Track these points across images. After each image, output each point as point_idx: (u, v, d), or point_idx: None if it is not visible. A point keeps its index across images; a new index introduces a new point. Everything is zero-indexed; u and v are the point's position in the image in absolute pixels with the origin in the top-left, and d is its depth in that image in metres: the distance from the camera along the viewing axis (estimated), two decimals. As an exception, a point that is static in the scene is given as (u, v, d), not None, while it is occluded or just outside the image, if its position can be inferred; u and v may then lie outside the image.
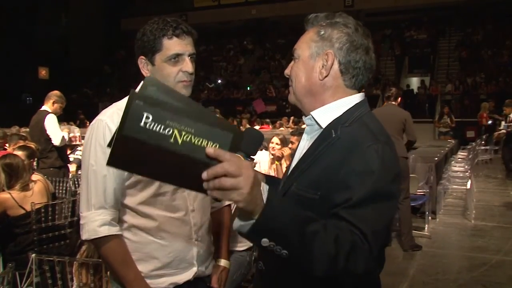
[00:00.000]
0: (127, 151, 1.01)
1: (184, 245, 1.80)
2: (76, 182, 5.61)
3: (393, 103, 6.08)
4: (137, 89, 1.09)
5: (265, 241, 1.13)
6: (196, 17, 23.65)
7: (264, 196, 1.12)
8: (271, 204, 1.12)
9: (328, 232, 1.16)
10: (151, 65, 1.75)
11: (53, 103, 5.78)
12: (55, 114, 5.75)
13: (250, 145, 1.45)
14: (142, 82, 1.25)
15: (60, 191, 5.55)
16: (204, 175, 1.03)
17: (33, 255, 2.55)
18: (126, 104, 1.01)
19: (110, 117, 1.72)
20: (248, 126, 14.61)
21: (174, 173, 1.06)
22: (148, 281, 1.75)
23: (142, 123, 0.99)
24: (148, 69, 1.76)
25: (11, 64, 19.59)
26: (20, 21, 20.57)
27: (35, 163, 6.17)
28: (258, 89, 22.23)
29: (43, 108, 5.79)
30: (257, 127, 13.99)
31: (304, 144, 1.49)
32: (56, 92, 5.89)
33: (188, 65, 1.73)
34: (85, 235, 1.71)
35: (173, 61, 1.72)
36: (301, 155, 1.45)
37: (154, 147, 1.00)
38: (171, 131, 1.00)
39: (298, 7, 22.40)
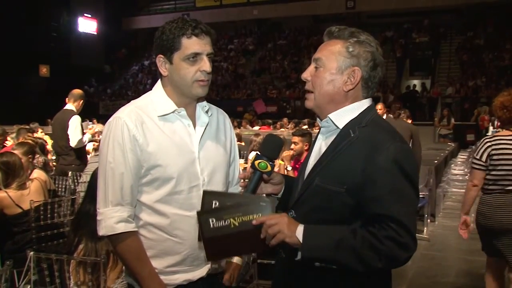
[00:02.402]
0: (214, 246, 1.52)
1: (199, 243, 1.79)
2: (75, 181, 5.61)
3: (404, 119, 7.08)
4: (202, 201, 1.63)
5: (317, 264, 1.50)
6: (197, 17, 23.44)
7: (300, 235, 1.46)
8: (307, 240, 1.46)
9: (364, 242, 1.42)
10: (169, 64, 1.77)
11: (77, 101, 5.81)
12: (77, 111, 5.81)
13: (271, 150, 1.66)
14: (202, 196, 1.60)
15: (60, 189, 5.55)
16: (263, 234, 1.45)
17: (31, 253, 2.55)
18: (198, 220, 1.52)
19: (128, 115, 1.75)
20: (248, 127, 14.58)
21: (246, 244, 1.55)
22: (162, 277, 1.77)
23: (211, 226, 1.47)
24: (166, 68, 1.78)
25: (11, 62, 19.58)
26: (21, 18, 20.56)
27: (52, 158, 6.23)
28: (259, 90, 22.24)
29: (68, 107, 5.83)
30: (257, 128, 13.96)
31: (320, 143, 1.66)
32: (78, 90, 6.00)
33: (206, 65, 1.75)
34: (102, 231, 1.74)
35: (191, 60, 1.74)
36: (320, 153, 1.62)
37: (225, 235, 1.48)
38: (228, 221, 1.47)
39: (300, 8, 22.42)
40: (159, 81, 1.87)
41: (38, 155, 5.98)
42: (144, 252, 1.76)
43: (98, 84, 25.64)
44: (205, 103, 1.90)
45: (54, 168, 6.32)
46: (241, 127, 13.98)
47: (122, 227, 1.72)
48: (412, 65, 21.39)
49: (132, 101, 1.86)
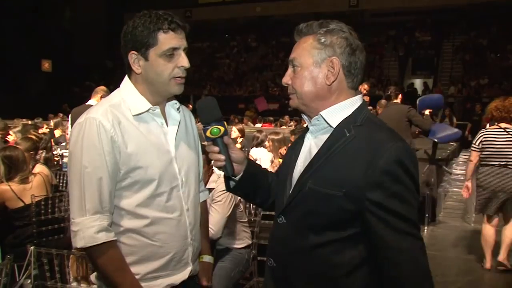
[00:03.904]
0: None
1: (180, 245, 1.76)
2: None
3: (395, 101, 6.31)
4: None
5: None
6: (200, 13, 23.63)
7: None
8: None
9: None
10: (143, 60, 1.66)
11: (101, 97, 5.75)
12: None
13: (210, 113, 1.57)
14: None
15: (61, 184, 5.56)
16: None
17: (32, 247, 2.55)
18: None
19: (104, 115, 1.63)
20: (250, 124, 14.56)
21: None
22: (144, 284, 1.68)
23: None
24: (140, 65, 1.67)
25: (14, 56, 19.59)
26: (24, 13, 20.56)
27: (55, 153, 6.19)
28: (261, 87, 22.21)
29: (91, 102, 5.72)
30: (259, 125, 13.95)
31: (310, 143, 1.55)
32: (102, 87, 5.96)
33: (184, 60, 1.67)
34: (79, 242, 1.60)
35: (168, 56, 1.64)
36: (310, 154, 1.51)
37: None
38: None
39: (303, 6, 22.40)
40: (126, 78, 1.77)
41: (41, 151, 6.01)
42: (125, 261, 1.66)
43: (100, 79, 25.65)
44: (175, 100, 1.82)
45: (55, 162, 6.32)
46: (243, 124, 13.96)
47: (103, 237, 1.59)
48: (414, 64, 21.33)
49: (103, 100, 1.76)
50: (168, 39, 1.64)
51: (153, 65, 1.66)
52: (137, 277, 1.68)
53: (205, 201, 2.06)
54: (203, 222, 1.98)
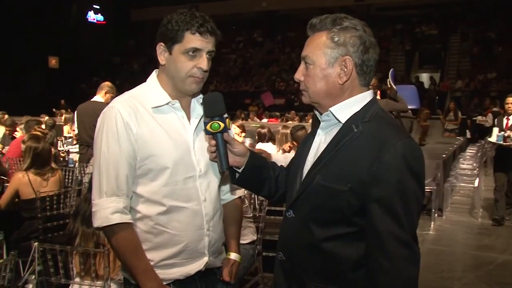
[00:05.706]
0: None
1: (196, 235, 1.79)
2: (82, 172, 5.63)
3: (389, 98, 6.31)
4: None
5: None
6: (206, 8, 23.54)
7: None
8: None
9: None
10: (168, 53, 1.75)
11: (105, 93, 5.79)
12: (106, 103, 5.69)
13: (213, 108, 1.65)
14: None
15: (68, 180, 5.58)
16: None
17: (36, 243, 2.56)
18: None
19: (122, 104, 1.73)
20: (256, 119, 14.56)
21: None
22: (158, 271, 1.74)
23: None
24: (165, 57, 1.76)
25: (21, 53, 19.67)
26: (31, 10, 20.62)
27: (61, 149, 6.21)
28: (267, 82, 22.18)
29: (96, 98, 5.77)
30: (265, 120, 13.94)
31: (320, 139, 1.58)
32: (107, 83, 6.00)
33: (204, 62, 1.73)
34: (96, 222, 1.70)
35: (190, 55, 1.71)
36: (320, 149, 1.54)
37: None
38: None
39: (308, 0, 22.29)
40: (154, 72, 1.86)
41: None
42: (140, 245, 1.73)
43: (107, 75, 25.74)
44: (201, 95, 1.87)
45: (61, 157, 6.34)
46: (249, 119, 13.96)
47: (117, 218, 1.68)
48: (421, 58, 21.19)
49: (126, 92, 1.84)
50: (193, 40, 1.71)
51: (175, 59, 1.74)
52: (151, 263, 1.74)
53: (240, 198, 2.07)
54: (234, 219, 2.02)
